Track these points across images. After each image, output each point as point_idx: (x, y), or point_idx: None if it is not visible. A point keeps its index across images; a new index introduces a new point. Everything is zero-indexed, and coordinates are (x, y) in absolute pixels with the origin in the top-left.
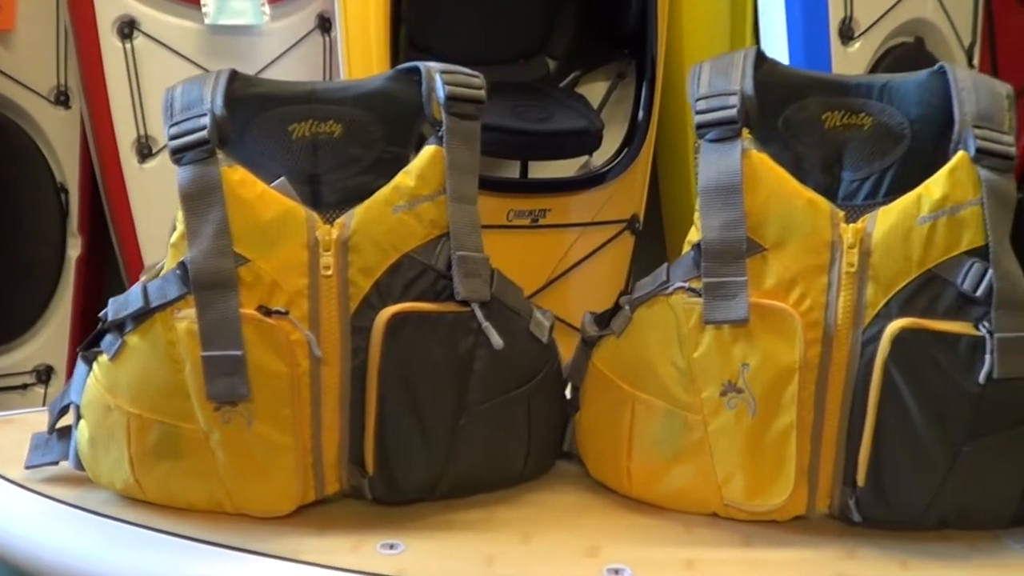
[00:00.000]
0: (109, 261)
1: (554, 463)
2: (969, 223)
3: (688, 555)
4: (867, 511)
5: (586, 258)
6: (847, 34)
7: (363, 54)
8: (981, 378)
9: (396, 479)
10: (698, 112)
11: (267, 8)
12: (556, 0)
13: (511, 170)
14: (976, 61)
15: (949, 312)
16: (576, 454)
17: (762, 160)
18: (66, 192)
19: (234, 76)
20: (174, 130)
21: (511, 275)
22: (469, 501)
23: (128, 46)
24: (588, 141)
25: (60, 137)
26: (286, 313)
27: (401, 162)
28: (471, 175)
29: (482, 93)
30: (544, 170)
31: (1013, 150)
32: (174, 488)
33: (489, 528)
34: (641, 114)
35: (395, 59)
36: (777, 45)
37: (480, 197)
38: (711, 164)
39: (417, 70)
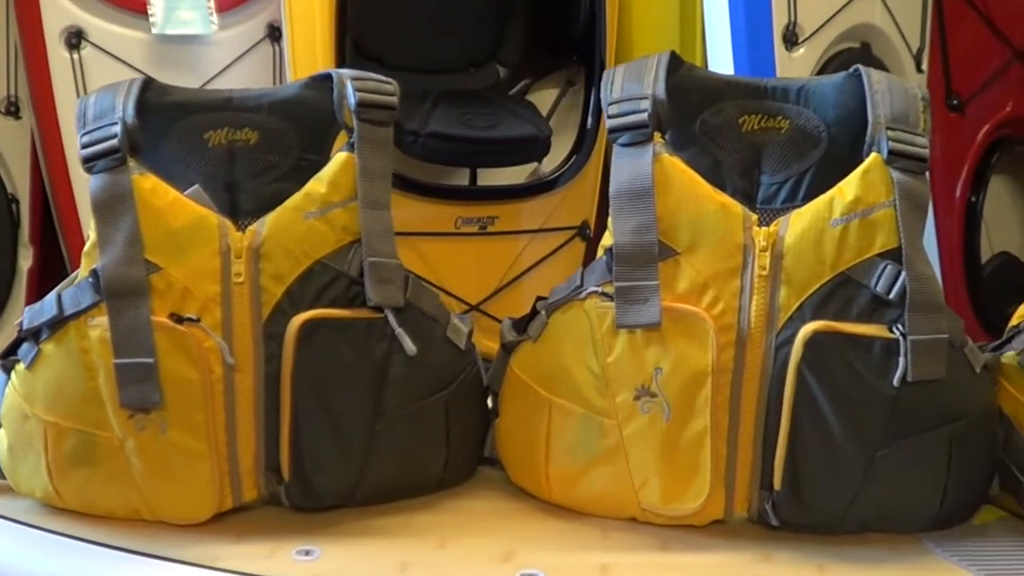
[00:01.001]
0: (61, 272)
1: (475, 469)
2: (882, 225)
3: (603, 559)
4: (785, 515)
5: (536, 265)
6: (791, 39)
7: (309, 63)
8: (895, 381)
9: (312, 485)
10: (610, 116)
11: (215, 17)
12: (506, 8)
13: (460, 177)
14: (925, 66)
15: (863, 315)
16: (498, 460)
17: (674, 164)
18: (17, 203)
19: (148, 85)
20: (86, 139)
21: (460, 282)
22: (388, 507)
23: (76, 56)
24: (536, 148)
25: (11, 148)
26: (198, 320)
27: (318, 169)
28: (383, 181)
29: (394, 100)
30: (494, 177)
31: (926, 152)
32: (92, 496)
33: (406, 534)
34: (590, 121)
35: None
36: (722, 52)
37: (428, 204)
38: (623, 168)
39: (330, 77)
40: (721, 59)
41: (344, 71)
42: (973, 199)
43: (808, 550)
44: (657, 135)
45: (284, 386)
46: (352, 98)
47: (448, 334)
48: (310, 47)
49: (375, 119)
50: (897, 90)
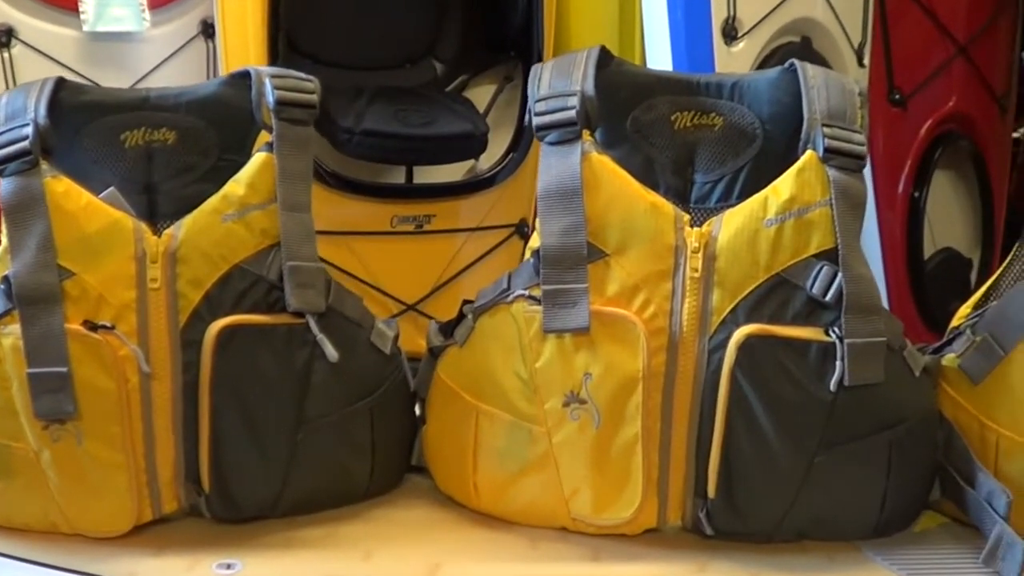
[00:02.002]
0: None
1: (403, 477)
2: (818, 225)
3: (532, 571)
4: (719, 524)
5: (474, 263)
6: (730, 34)
7: (241, 60)
8: (832, 385)
9: (233, 496)
10: (537, 114)
11: (148, 14)
12: (442, 3)
13: (396, 175)
14: (867, 61)
15: (798, 318)
16: (426, 467)
17: (603, 163)
18: None
19: (61, 84)
20: None
21: (396, 282)
22: (312, 518)
23: (6, 55)
24: (472, 145)
25: None
26: (112, 327)
27: (238, 170)
28: (304, 182)
29: (314, 98)
30: (430, 175)
31: (863, 149)
32: (7, 509)
33: (330, 545)
34: (528, 118)
35: (274, 65)
36: (660, 46)
37: (364, 203)
38: (550, 167)
39: (249, 74)
40: (659, 54)
41: (263, 68)
42: (916, 194)
43: (744, 559)
44: (586, 133)
45: (203, 394)
46: (271, 96)
47: (372, 339)
48: (242, 44)
49: (294, 118)
50: (834, 86)
